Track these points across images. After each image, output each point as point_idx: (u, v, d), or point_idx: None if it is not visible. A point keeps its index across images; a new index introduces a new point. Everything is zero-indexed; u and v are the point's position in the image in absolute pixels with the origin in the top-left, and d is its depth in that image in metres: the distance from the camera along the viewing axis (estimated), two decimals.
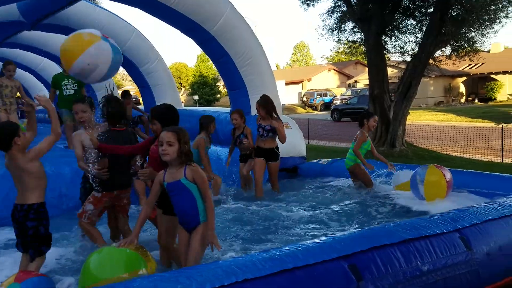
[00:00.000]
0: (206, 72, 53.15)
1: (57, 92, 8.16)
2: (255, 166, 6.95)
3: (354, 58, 48.61)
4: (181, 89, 60.44)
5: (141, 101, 16.81)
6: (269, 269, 2.64)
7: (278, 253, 2.83)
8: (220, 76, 10.59)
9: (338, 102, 36.40)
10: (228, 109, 10.41)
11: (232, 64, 8.72)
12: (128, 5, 8.35)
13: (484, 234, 3.72)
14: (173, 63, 62.70)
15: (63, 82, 8.12)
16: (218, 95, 53.20)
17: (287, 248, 2.91)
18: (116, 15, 11.55)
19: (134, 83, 16.52)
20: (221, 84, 52.04)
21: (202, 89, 51.47)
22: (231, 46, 8.56)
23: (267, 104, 6.87)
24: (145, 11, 8.48)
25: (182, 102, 23.98)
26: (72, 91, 8.12)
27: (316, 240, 3.13)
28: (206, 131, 6.69)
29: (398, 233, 3.36)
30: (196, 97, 47.75)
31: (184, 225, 3.51)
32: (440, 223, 3.64)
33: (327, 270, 2.81)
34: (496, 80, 37.75)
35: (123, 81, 72.93)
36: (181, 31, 8.84)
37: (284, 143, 6.86)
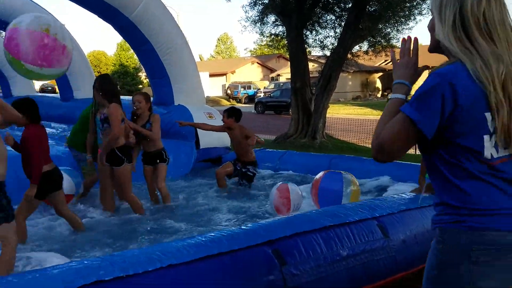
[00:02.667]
0: (127, 62, 51.60)
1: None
2: None
3: (277, 52, 49.26)
4: None
5: (57, 90, 15.99)
6: (194, 254, 2.61)
7: (203, 239, 2.81)
8: (141, 65, 10.31)
9: (262, 95, 36.80)
10: None
11: (153, 52, 8.50)
12: None
13: (401, 222, 3.91)
14: (91, 51, 60.13)
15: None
16: (140, 86, 51.87)
17: (212, 234, 2.90)
18: None
19: None
20: (143, 74, 50.76)
21: (123, 79, 49.92)
22: (152, 33, 8.32)
23: (102, 83, 5.22)
24: None
25: None
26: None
27: (242, 227, 3.15)
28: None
29: (320, 220, 3.45)
30: None
31: None
32: (359, 211, 3.78)
33: (252, 256, 2.83)
34: None
35: None
36: (99, 16, 8.49)
37: (115, 137, 4.99)
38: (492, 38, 1.55)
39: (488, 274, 1.56)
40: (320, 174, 5.43)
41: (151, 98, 6.06)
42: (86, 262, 2.44)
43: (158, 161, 5.76)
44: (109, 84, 5.23)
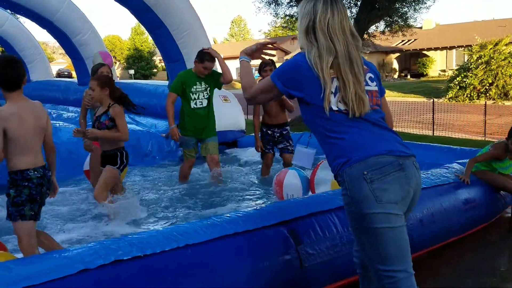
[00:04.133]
0: (142, 46, 51.61)
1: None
2: None
3: (291, 34, 48.88)
4: (115, 62, 58.45)
5: (74, 74, 16.12)
6: (210, 235, 2.65)
7: (219, 220, 2.84)
8: (156, 49, 10.32)
9: None
10: (166, 82, 10.19)
11: (168, 35, 8.50)
12: None
13: (418, 201, 3.86)
14: (106, 35, 60.29)
15: (194, 86, 5.59)
16: (155, 70, 51.90)
17: (227, 215, 2.92)
18: None
19: (66, 56, 15.78)
20: (157, 58, 50.77)
21: (138, 63, 50.02)
22: (167, 16, 8.32)
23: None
24: None
25: (118, 76, 23.32)
26: (204, 103, 5.63)
27: (256, 207, 3.17)
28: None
29: (336, 200, 3.44)
30: (131, 71, 46.37)
31: None
32: None
33: (267, 235, 2.85)
34: (427, 56, 39.32)
35: (54, 54, 69.49)
36: (115, 0, 8.49)
37: None
38: (332, 40, 2.21)
39: (385, 188, 2.10)
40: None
41: (113, 82, 4.77)
42: (104, 242, 2.49)
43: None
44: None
